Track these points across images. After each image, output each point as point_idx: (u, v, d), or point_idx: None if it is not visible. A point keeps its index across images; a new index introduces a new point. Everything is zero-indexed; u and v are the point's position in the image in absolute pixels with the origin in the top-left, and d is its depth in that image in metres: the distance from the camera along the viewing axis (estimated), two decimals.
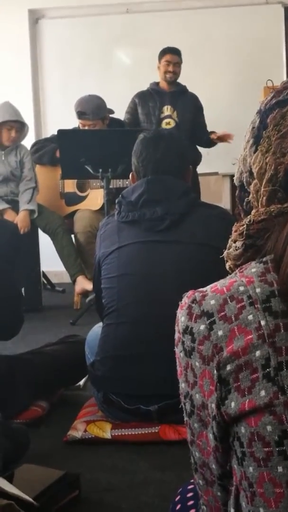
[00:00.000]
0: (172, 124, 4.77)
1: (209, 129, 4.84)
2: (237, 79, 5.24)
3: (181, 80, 4.88)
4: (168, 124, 4.77)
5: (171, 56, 4.77)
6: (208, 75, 4.86)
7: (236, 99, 4.71)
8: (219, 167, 4.91)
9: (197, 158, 4.78)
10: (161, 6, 5.52)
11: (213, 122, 4.95)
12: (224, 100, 5.29)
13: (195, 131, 4.77)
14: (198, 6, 5.49)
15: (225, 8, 5.45)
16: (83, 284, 4.20)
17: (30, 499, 1.45)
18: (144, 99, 4.84)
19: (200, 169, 4.86)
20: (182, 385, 0.87)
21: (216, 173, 5.15)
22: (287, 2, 5.46)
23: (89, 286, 4.04)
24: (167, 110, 4.80)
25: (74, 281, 4.25)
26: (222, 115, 5.06)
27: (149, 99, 4.82)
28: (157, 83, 4.86)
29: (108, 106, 4.36)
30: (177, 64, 4.79)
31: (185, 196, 2.26)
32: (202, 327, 0.83)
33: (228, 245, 0.89)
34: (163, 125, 4.76)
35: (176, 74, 4.80)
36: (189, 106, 4.80)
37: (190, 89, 4.93)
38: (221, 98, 5.34)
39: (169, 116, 4.80)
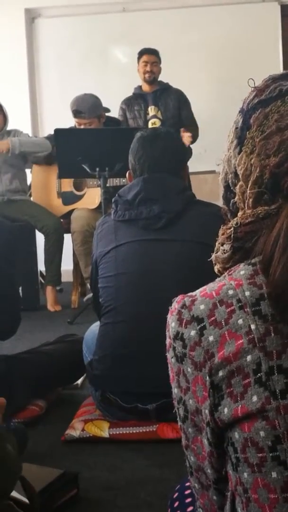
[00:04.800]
0: (158, 123, 4.81)
1: (208, 127, 4.84)
2: (234, 77, 5.24)
3: (177, 77, 4.88)
4: (154, 124, 4.81)
5: (148, 56, 4.86)
6: (205, 73, 4.86)
7: (232, 98, 4.70)
8: (216, 165, 4.91)
9: (186, 154, 4.79)
10: (157, 5, 5.51)
11: (210, 120, 4.95)
12: (221, 99, 5.28)
13: (181, 126, 4.78)
14: (195, 4, 5.48)
15: (221, 6, 5.44)
16: (49, 294, 4.43)
17: (26, 500, 1.45)
18: (129, 104, 4.93)
19: (197, 167, 4.85)
20: (175, 391, 0.87)
21: (213, 172, 5.13)
22: (283, 0, 5.46)
23: (51, 300, 4.41)
24: (151, 110, 4.87)
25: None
26: (218, 113, 5.05)
27: (134, 103, 4.91)
28: (140, 86, 4.96)
29: (105, 104, 4.36)
30: (155, 63, 4.87)
31: (181, 194, 2.26)
32: (193, 332, 0.82)
33: (215, 248, 0.88)
34: (149, 126, 4.79)
35: (154, 73, 4.88)
36: (172, 102, 4.85)
37: (187, 87, 4.92)
38: (218, 96, 5.34)
39: (154, 116, 4.85)
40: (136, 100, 4.90)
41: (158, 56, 4.87)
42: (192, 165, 4.70)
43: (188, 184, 4.69)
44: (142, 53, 4.87)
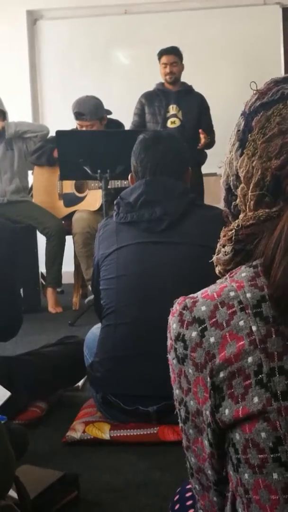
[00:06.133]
0: (177, 123, 4.77)
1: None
2: (235, 80, 5.24)
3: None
4: (173, 123, 4.77)
5: (167, 57, 4.80)
6: (206, 76, 4.86)
7: (234, 100, 4.71)
8: (218, 168, 4.90)
9: (202, 158, 4.78)
10: (159, 7, 5.51)
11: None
12: (222, 101, 5.28)
13: (199, 129, 4.77)
14: (196, 7, 5.48)
15: (223, 9, 5.44)
16: (49, 296, 4.43)
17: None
18: (150, 99, 4.85)
19: None
20: (176, 392, 0.87)
21: (214, 174, 5.14)
22: (285, 3, 5.46)
23: (51, 302, 4.40)
24: (172, 109, 4.81)
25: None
26: (220, 115, 5.05)
27: (155, 99, 4.84)
28: (162, 83, 4.87)
29: (107, 106, 4.36)
30: (174, 63, 4.79)
31: (183, 197, 2.26)
32: (194, 334, 0.82)
33: (217, 250, 0.89)
34: (168, 124, 4.76)
35: (175, 73, 4.80)
36: (193, 105, 4.81)
37: None
38: (219, 99, 5.33)
39: (174, 115, 4.80)
40: (158, 96, 4.84)
41: (177, 54, 4.78)
42: None
43: (199, 187, 4.71)
44: (161, 54, 4.80)
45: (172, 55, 4.78)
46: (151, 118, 4.82)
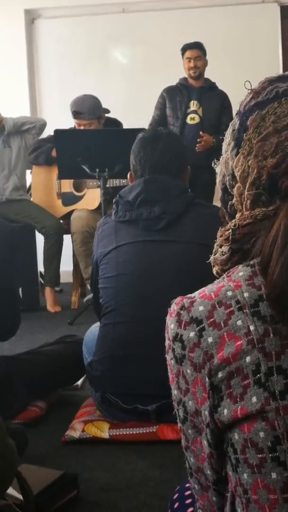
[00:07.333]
0: (197, 119, 4.74)
1: None
2: (233, 78, 5.24)
3: (177, 78, 4.86)
4: (192, 119, 4.75)
5: (190, 51, 4.75)
6: (205, 74, 4.85)
7: (232, 98, 4.71)
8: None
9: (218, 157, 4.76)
10: (157, 6, 5.51)
11: None
12: None
13: (219, 129, 4.75)
14: (194, 6, 5.48)
15: (221, 7, 5.44)
16: (48, 295, 4.43)
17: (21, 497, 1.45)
18: (172, 93, 4.82)
19: None
20: (175, 392, 0.87)
21: None
22: (283, 1, 5.46)
23: (50, 301, 4.41)
24: (193, 105, 4.77)
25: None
26: None
27: (177, 93, 4.81)
28: (186, 78, 4.84)
29: (105, 105, 4.36)
30: (198, 57, 4.74)
31: (182, 196, 2.26)
32: (192, 334, 0.82)
33: (214, 250, 0.89)
34: (188, 120, 4.73)
35: (199, 68, 4.76)
36: (215, 103, 4.77)
37: None
38: None
39: (195, 112, 4.76)
40: (180, 91, 4.81)
41: (201, 49, 4.75)
42: None
43: (214, 184, 4.68)
44: (184, 49, 4.76)
45: (196, 49, 4.74)
46: (171, 113, 4.79)
